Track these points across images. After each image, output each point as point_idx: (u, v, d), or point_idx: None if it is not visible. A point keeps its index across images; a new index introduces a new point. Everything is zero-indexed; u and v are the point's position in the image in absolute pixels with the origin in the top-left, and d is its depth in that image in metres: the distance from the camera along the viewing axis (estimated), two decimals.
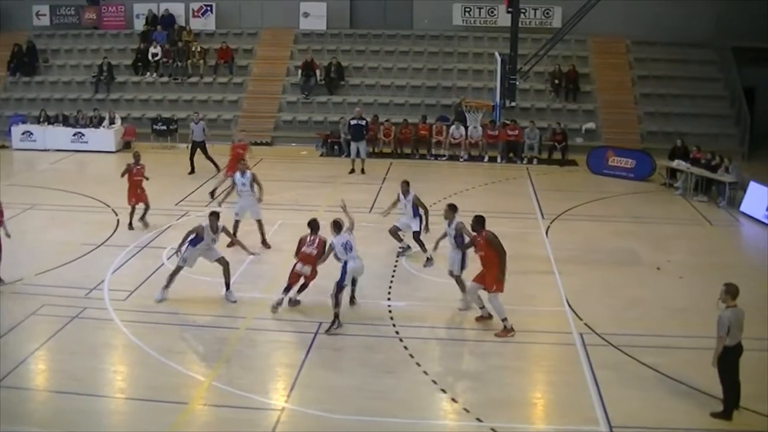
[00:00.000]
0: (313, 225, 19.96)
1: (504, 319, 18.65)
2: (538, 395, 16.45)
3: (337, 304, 18.87)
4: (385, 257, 23.48)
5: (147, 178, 26.84)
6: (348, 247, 19.24)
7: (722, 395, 15.20)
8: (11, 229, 21.70)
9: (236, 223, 24.31)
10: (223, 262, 20.57)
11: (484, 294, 19.07)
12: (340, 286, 19.04)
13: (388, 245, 23.96)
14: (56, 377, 16.68)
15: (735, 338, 14.99)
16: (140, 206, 26.44)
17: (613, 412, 15.22)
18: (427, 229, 23.07)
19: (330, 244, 19.54)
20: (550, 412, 15.75)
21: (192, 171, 33.69)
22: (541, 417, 15.63)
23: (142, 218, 26.60)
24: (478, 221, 19.06)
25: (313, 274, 19.80)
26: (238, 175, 24.65)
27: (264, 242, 24.54)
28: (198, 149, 34.19)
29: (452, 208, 20.42)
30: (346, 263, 19.14)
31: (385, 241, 23.87)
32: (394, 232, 23.84)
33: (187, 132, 35.35)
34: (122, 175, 26.90)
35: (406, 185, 23.53)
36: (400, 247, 24.14)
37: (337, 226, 19.33)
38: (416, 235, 23.38)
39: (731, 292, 15.20)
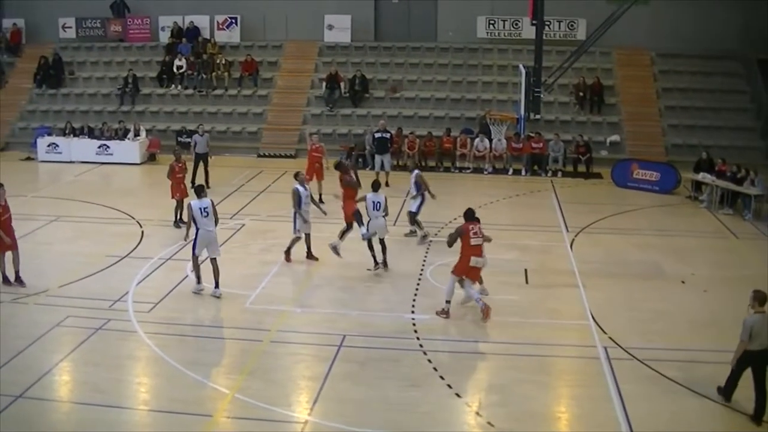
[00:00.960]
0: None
1: (447, 302, 20.17)
2: (562, 409, 16.35)
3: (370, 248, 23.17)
4: (409, 271, 23.42)
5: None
6: (377, 206, 22.90)
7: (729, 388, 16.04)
8: (37, 240, 21.82)
9: (294, 240, 24.16)
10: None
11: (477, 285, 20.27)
12: (364, 237, 23.20)
13: (412, 259, 23.93)
14: (80, 389, 16.70)
15: (760, 344, 15.27)
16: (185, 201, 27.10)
17: (637, 426, 15.12)
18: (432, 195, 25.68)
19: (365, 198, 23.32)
20: (574, 426, 15.65)
21: (194, 185, 33.38)
22: (566, 431, 15.56)
23: (176, 221, 27.68)
24: (467, 213, 20.68)
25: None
26: (300, 187, 23.96)
27: (309, 254, 24.40)
28: (201, 161, 33.83)
29: None
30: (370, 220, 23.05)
31: (410, 254, 23.86)
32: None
33: (212, 145, 35.27)
34: (168, 176, 27.81)
35: (413, 165, 24.10)
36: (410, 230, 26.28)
37: (374, 186, 23.56)
38: (411, 215, 24.22)
39: (759, 298, 15.62)
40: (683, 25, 41.72)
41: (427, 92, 42.74)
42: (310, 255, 24.24)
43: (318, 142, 32.12)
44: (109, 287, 21.84)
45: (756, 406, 15.45)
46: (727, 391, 16.08)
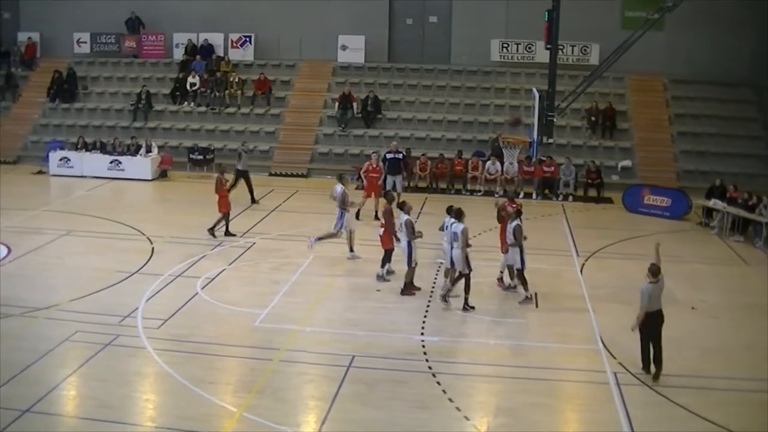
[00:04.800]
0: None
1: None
2: None
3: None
4: (419, 292, 23.33)
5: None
6: (400, 228, 23.19)
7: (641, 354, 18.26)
8: (47, 254, 21.85)
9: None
10: None
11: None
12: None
13: (422, 280, 23.85)
14: (87, 404, 16.70)
15: (654, 307, 18.00)
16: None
17: None
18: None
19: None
20: None
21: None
22: None
23: (227, 231, 28.55)
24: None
25: None
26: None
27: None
28: (242, 178, 34.13)
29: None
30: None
31: (419, 275, 23.76)
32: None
33: (223, 163, 35.29)
34: (216, 190, 28.39)
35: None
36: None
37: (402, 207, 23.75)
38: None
39: (652, 270, 18.28)
40: (696, 51, 41.81)
41: (440, 114, 42.76)
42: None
43: (377, 162, 32.59)
44: (119, 303, 21.85)
45: (654, 359, 18.04)
46: (644, 360, 18.27)
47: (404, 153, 35.87)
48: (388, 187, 33.82)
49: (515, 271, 22.98)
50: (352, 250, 26.32)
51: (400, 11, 46.25)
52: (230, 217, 28.72)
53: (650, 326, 17.95)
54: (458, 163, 38.36)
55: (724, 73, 41.62)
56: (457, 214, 22.20)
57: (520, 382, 18.24)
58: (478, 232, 27.67)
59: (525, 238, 22.69)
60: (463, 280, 21.99)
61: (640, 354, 18.22)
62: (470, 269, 21.92)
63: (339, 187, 26.49)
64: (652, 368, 18.10)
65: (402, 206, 23.85)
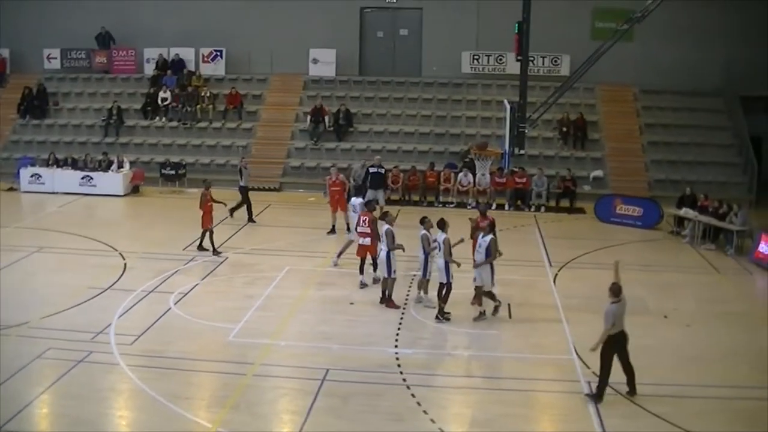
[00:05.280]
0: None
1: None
2: None
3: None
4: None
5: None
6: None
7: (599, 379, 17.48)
8: (19, 271, 21.72)
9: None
10: None
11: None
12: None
13: (396, 293, 23.79)
14: (61, 422, 16.59)
15: (618, 328, 17.28)
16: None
17: None
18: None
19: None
20: None
21: (250, 218, 33.33)
22: None
23: (214, 250, 28.16)
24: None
25: None
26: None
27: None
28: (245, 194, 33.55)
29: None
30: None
31: (394, 289, 23.71)
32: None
33: (195, 177, 35.21)
34: (201, 206, 28.13)
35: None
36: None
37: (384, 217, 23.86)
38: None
39: (614, 290, 17.54)
40: (666, 62, 42.05)
41: (412, 126, 42.83)
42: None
43: (336, 176, 31.99)
44: (92, 319, 21.70)
45: (627, 381, 17.53)
46: (601, 388, 17.48)
47: (385, 168, 35.94)
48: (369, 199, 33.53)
49: (483, 292, 22.29)
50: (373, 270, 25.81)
51: (371, 24, 46.37)
52: (211, 234, 28.38)
53: (615, 348, 17.39)
54: (430, 175, 38.38)
55: (694, 83, 41.91)
56: (440, 225, 22.40)
57: (495, 393, 18.26)
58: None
59: (500, 253, 22.65)
60: (443, 290, 22.06)
61: (599, 381, 17.51)
62: (451, 280, 21.94)
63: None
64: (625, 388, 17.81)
65: (384, 216, 24.04)
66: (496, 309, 22.32)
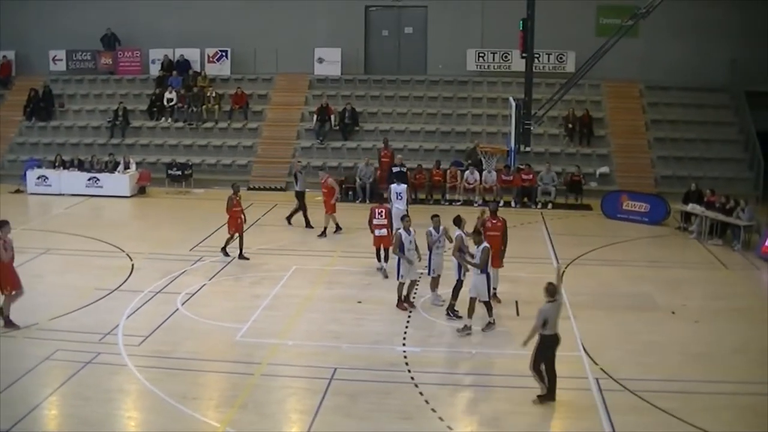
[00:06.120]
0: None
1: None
2: None
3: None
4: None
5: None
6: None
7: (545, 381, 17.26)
8: (27, 273, 21.73)
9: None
10: None
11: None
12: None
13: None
14: (69, 423, 16.57)
15: (552, 329, 17.13)
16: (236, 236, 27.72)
17: None
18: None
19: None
20: None
21: (307, 224, 32.32)
22: None
23: (241, 255, 27.75)
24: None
25: None
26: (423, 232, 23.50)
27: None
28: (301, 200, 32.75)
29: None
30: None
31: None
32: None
33: (201, 178, 35.16)
34: (227, 209, 27.83)
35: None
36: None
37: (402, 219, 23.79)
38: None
39: (549, 290, 17.38)
40: (672, 58, 42.02)
41: (417, 125, 42.85)
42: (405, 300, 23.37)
43: (324, 179, 31.54)
44: (99, 320, 21.71)
45: (549, 385, 17.18)
46: (551, 388, 17.30)
47: (407, 167, 36.65)
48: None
49: (479, 302, 21.32)
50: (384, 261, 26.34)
51: (376, 23, 46.40)
52: (235, 239, 27.80)
53: (545, 350, 17.15)
54: (437, 173, 38.41)
55: (700, 79, 41.89)
56: (456, 222, 22.36)
57: (503, 390, 18.24)
58: None
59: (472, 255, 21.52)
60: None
61: (549, 381, 17.30)
62: (462, 277, 21.88)
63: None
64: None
65: (402, 219, 24.13)
66: (488, 325, 21.46)
